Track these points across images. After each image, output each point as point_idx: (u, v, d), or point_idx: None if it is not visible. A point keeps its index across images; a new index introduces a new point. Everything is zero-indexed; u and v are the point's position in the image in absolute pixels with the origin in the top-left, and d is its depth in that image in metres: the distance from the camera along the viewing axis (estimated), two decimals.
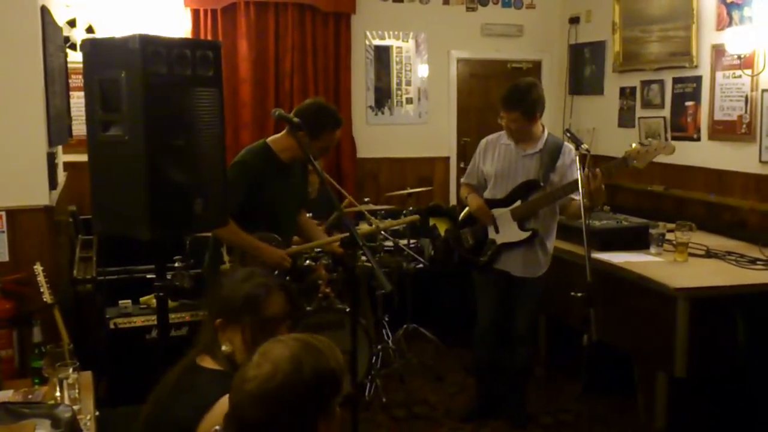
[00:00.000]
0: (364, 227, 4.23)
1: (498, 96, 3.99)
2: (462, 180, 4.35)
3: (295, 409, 1.54)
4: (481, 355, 4.28)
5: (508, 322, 4.12)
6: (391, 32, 6.82)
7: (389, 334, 5.15)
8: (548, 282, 4.10)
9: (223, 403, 1.78)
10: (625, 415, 4.25)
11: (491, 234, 4.04)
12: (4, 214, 3.51)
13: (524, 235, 3.94)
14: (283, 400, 1.53)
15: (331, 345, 1.65)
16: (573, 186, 3.69)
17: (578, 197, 3.60)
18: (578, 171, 3.42)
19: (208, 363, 2.04)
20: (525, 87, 3.88)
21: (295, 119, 3.24)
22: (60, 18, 5.32)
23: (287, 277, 3.84)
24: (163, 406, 1.97)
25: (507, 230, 3.98)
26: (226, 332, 2.07)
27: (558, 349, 5.06)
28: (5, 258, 3.52)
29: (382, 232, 4.95)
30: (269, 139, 3.57)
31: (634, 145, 3.65)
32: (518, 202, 3.95)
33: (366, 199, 5.48)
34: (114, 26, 5.75)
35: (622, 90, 6.32)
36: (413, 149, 6.95)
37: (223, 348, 2.04)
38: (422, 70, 6.94)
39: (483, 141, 4.17)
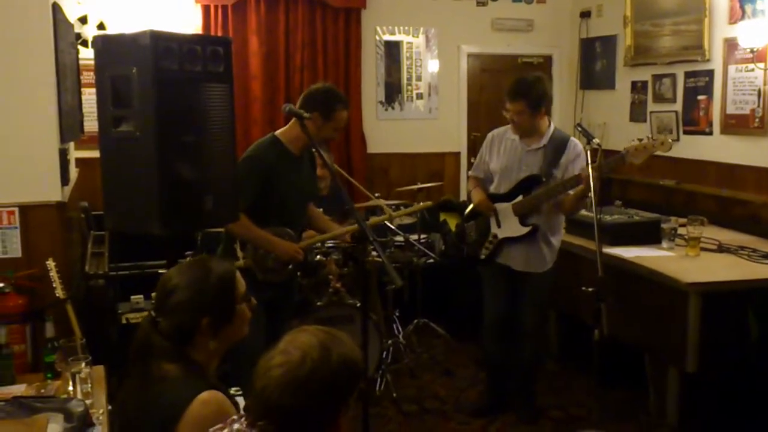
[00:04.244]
0: (374, 219, 4.22)
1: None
2: (470, 173, 4.36)
3: (322, 395, 1.56)
4: (489, 348, 4.28)
5: (515, 316, 4.12)
6: (401, 27, 6.81)
7: (400, 329, 5.16)
8: (559, 277, 4.10)
9: (200, 400, 1.78)
10: (637, 410, 4.24)
11: (493, 228, 4.05)
12: (16, 209, 3.53)
13: (525, 230, 3.93)
14: (312, 386, 1.55)
15: (350, 338, 1.67)
16: (573, 182, 3.72)
17: (572, 193, 3.72)
18: (588, 165, 3.42)
19: (166, 371, 1.90)
20: (531, 80, 3.88)
21: (306, 114, 3.24)
22: (71, 15, 5.34)
23: (298, 272, 3.85)
24: (133, 422, 1.91)
25: (509, 225, 3.99)
26: (221, 330, 1.97)
27: (569, 344, 5.06)
28: (18, 254, 3.54)
29: (393, 227, 4.95)
30: (277, 132, 3.57)
31: (633, 141, 3.64)
32: (520, 197, 3.95)
33: (377, 195, 5.47)
34: (125, 23, 5.76)
35: (634, 84, 6.28)
36: (423, 144, 6.93)
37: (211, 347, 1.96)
38: (432, 66, 6.92)
39: (490, 134, 4.18)
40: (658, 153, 3.61)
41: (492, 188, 4.10)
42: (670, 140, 3.61)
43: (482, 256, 4.08)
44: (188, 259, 2.13)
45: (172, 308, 1.94)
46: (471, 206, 4.20)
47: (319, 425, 1.59)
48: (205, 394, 1.81)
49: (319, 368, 1.55)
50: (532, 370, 4.25)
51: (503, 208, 4.00)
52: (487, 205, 4.03)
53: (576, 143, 3.95)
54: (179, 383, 1.86)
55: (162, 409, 1.82)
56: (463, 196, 6.76)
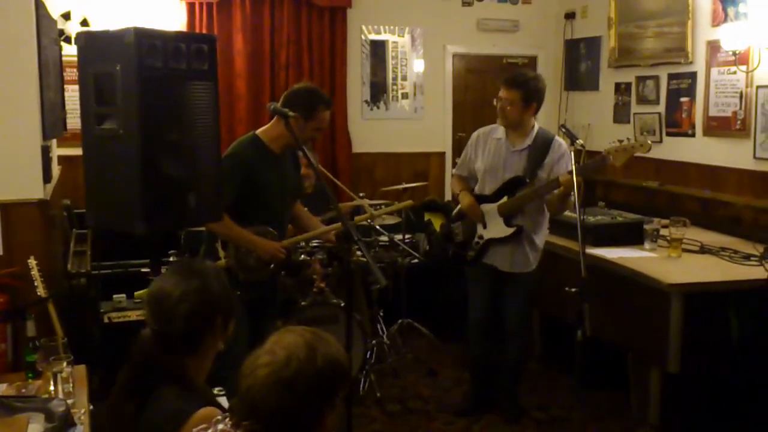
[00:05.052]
0: (358, 218, 4.22)
1: (494, 90, 4.01)
2: (454, 171, 4.38)
3: (308, 395, 1.56)
4: (473, 348, 4.29)
5: (499, 316, 4.13)
6: (386, 27, 6.81)
7: (384, 329, 5.15)
8: (542, 277, 4.11)
9: (199, 416, 1.78)
10: (619, 411, 4.27)
11: (479, 229, 4.06)
12: None
13: (510, 231, 3.95)
14: (298, 386, 1.55)
15: (335, 339, 1.67)
16: (553, 185, 3.75)
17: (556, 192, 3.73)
18: (572, 165, 3.44)
19: (163, 389, 1.89)
20: (531, 74, 4.00)
21: (291, 113, 3.23)
22: (54, 11, 5.30)
23: (282, 272, 3.84)
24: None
25: (494, 226, 4.00)
26: (227, 326, 2.02)
27: (552, 345, 5.08)
28: None
29: (378, 227, 4.95)
30: (258, 131, 3.56)
31: (613, 143, 3.68)
32: (505, 198, 3.96)
33: (361, 194, 5.47)
34: (109, 19, 5.73)
35: (617, 86, 6.32)
36: (408, 144, 6.94)
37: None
38: (418, 65, 6.93)
39: (475, 133, 4.20)
40: (639, 154, 3.65)
41: (477, 188, 4.11)
42: (649, 142, 3.65)
43: (468, 257, 4.10)
44: (171, 267, 2.11)
45: (182, 317, 1.91)
46: (458, 208, 4.20)
47: (305, 425, 1.59)
48: (203, 411, 1.80)
49: (304, 368, 1.55)
50: (516, 369, 4.27)
51: (489, 209, 4.01)
52: (475, 210, 4.03)
53: (560, 143, 3.97)
54: (177, 399, 1.86)
55: (160, 425, 1.81)
56: (447, 196, 6.78)
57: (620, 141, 3.66)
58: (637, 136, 3.73)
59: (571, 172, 3.43)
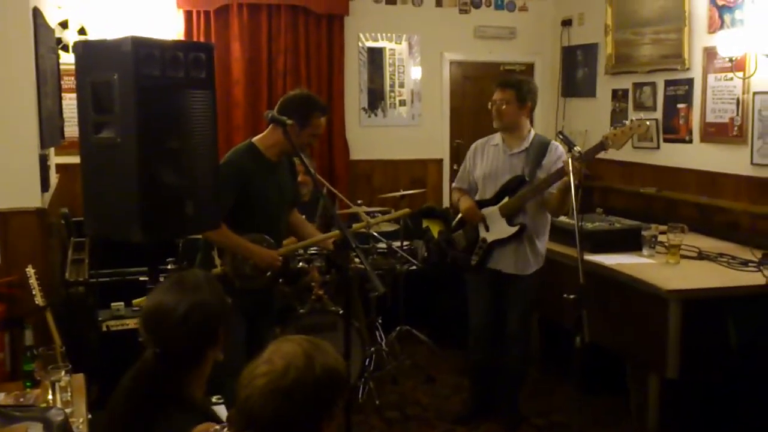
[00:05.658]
0: (355, 226, 4.22)
1: (491, 97, 4.03)
2: (453, 184, 4.39)
3: (306, 405, 1.55)
4: (475, 355, 4.28)
5: (500, 321, 4.13)
6: (384, 34, 6.83)
7: (382, 336, 5.15)
8: (541, 283, 4.11)
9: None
10: (618, 417, 4.26)
11: (482, 233, 4.06)
12: None
13: (512, 230, 3.96)
14: (295, 395, 1.54)
15: (334, 348, 1.66)
16: (556, 177, 3.76)
17: (556, 190, 3.76)
18: (569, 174, 3.43)
19: (167, 410, 1.87)
20: (523, 77, 4.15)
21: (289, 121, 3.22)
22: (52, 19, 5.30)
23: (280, 280, 3.83)
24: None
25: (496, 227, 4.01)
26: (226, 336, 2.01)
27: (551, 351, 5.07)
28: None
29: (375, 234, 4.95)
30: (254, 139, 3.54)
31: (611, 128, 3.70)
32: (506, 199, 3.98)
33: (359, 201, 5.48)
34: (106, 28, 5.73)
35: (615, 92, 6.33)
36: (406, 151, 6.95)
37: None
38: (415, 72, 6.94)
39: (473, 145, 4.23)
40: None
41: (477, 195, 4.12)
42: (647, 122, 3.67)
43: (473, 263, 4.09)
44: (163, 283, 2.08)
45: (186, 334, 1.90)
46: (459, 216, 4.20)
47: None
48: (201, 426, 1.80)
49: (302, 378, 1.55)
50: (517, 375, 4.26)
51: (490, 211, 4.02)
52: (475, 213, 4.04)
53: (557, 145, 4.00)
54: (176, 422, 1.84)
55: None
56: (445, 203, 6.78)
57: (618, 125, 3.68)
58: (633, 118, 3.74)
59: (573, 159, 3.41)
